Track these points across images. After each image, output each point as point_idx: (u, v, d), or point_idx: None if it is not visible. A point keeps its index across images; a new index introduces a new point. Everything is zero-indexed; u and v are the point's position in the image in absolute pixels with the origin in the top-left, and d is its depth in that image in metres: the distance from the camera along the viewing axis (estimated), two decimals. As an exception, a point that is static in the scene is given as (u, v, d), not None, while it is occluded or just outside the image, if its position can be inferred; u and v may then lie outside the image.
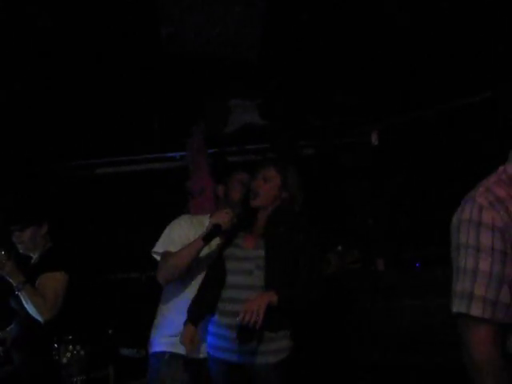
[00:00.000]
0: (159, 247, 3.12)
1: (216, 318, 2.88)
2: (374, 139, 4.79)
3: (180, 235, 3.10)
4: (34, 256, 3.60)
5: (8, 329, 3.58)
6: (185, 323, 2.92)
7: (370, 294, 4.43)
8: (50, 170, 4.83)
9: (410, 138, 4.60)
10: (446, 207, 4.31)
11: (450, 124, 4.40)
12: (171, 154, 4.95)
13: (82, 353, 2.64)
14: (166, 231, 3.16)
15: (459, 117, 4.35)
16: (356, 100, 4.60)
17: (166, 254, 3.05)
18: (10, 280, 3.31)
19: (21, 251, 3.58)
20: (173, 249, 3.04)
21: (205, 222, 3.13)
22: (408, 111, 4.55)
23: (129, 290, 4.28)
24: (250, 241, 2.93)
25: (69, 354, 2.61)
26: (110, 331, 4.18)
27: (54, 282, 3.39)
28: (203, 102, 4.75)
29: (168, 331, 3.09)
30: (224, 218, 2.96)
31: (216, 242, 3.08)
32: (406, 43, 4.13)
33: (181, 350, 3.00)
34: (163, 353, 3.07)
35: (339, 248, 4.48)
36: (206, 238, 2.93)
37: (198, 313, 2.94)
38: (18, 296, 3.32)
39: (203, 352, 3.02)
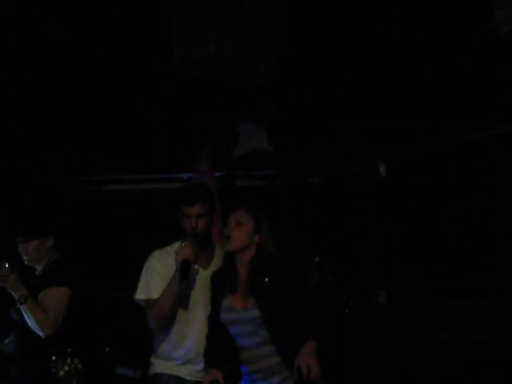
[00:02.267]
0: (140, 294, 3.17)
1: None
2: (382, 170, 4.80)
3: (157, 280, 3.12)
4: (39, 268, 3.59)
5: (6, 341, 3.56)
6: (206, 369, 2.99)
7: (372, 326, 4.41)
8: (57, 184, 4.84)
9: (417, 170, 4.61)
10: (451, 241, 4.34)
11: (458, 157, 4.41)
12: (178, 175, 4.96)
13: (80, 367, 2.61)
14: (143, 277, 3.19)
15: (468, 150, 4.36)
16: (365, 130, 4.62)
17: (149, 304, 3.10)
18: (13, 293, 3.30)
19: (26, 263, 3.58)
20: (154, 295, 3.08)
21: (173, 252, 3.12)
22: (416, 143, 4.56)
23: (129, 308, 4.25)
24: (239, 300, 2.94)
25: (66, 368, 2.58)
26: (107, 349, 4.15)
27: (57, 297, 3.38)
28: (212, 125, 4.78)
29: (165, 354, 3.15)
30: (186, 251, 2.98)
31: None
32: (418, 76, 4.16)
33: (180, 372, 3.10)
34: (162, 374, 3.13)
35: (316, 259, 4.48)
36: (182, 277, 2.97)
37: (217, 359, 2.98)
38: (19, 308, 3.31)
39: (199, 377, 3.07)
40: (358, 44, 4.10)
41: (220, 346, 2.98)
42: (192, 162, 4.83)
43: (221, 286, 3.02)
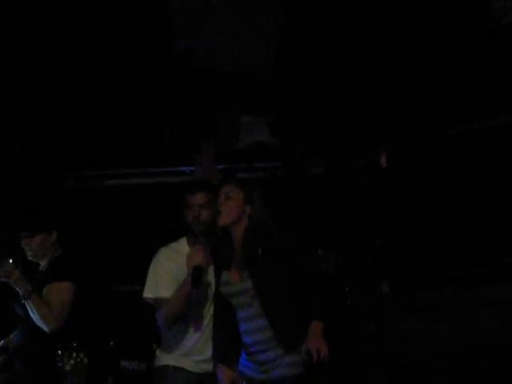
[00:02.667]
0: (149, 292, 3.16)
1: (244, 354, 2.97)
2: (383, 161, 4.80)
3: (165, 277, 3.13)
4: (43, 263, 3.60)
5: (11, 336, 3.57)
6: (217, 366, 3.01)
7: (375, 317, 4.42)
8: (60, 179, 4.85)
9: (419, 161, 4.61)
10: (454, 231, 4.34)
11: (460, 147, 4.40)
12: (181, 168, 4.96)
13: (86, 361, 2.63)
14: (151, 274, 3.19)
15: (470, 140, 4.36)
16: (367, 121, 4.61)
17: (158, 302, 3.11)
18: (17, 288, 3.31)
19: (29, 258, 3.59)
20: (163, 293, 3.09)
21: (180, 249, 3.17)
22: (418, 134, 4.56)
23: (133, 302, 4.27)
24: (235, 273, 2.96)
25: (72, 362, 2.60)
26: (111, 343, 4.17)
27: (61, 292, 3.39)
28: (215, 118, 4.78)
29: (172, 346, 3.16)
30: (199, 257, 2.95)
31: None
32: (419, 65, 4.16)
33: (184, 364, 3.12)
34: (167, 366, 3.15)
35: (319, 252, 4.49)
36: (195, 285, 2.94)
37: (224, 354, 3.01)
38: (23, 303, 3.33)
39: (201, 368, 3.12)
40: (360, 36, 4.10)
41: (225, 326, 3.01)
42: (194, 155, 4.84)
43: (220, 261, 3.05)
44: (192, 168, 4.89)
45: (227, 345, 3.02)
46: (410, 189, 4.67)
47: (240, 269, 2.93)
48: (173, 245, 3.26)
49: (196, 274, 2.93)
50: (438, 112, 4.36)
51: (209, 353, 3.10)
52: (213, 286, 3.14)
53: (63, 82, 4.27)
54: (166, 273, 3.14)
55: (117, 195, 4.97)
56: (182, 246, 3.20)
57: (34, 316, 3.30)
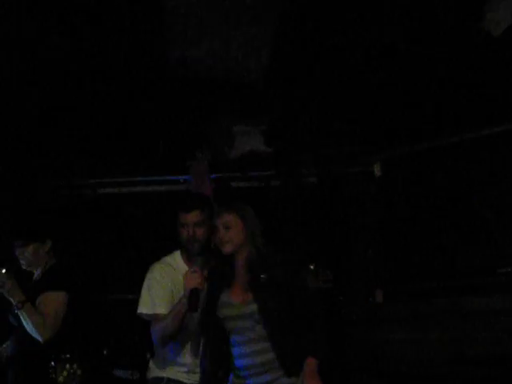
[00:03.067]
0: (143, 309, 3.12)
1: (236, 378, 2.96)
2: (377, 170, 4.81)
3: (161, 294, 3.09)
4: (36, 272, 3.59)
5: (4, 345, 3.56)
6: None
7: (369, 326, 4.42)
8: (55, 187, 4.84)
9: (412, 170, 4.62)
10: (448, 239, 4.35)
11: (454, 156, 4.42)
12: (174, 177, 4.96)
13: (79, 372, 2.62)
14: (146, 289, 3.14)
15: (464, 149, 4.38)
16: (360, 130, 4.63)
17: (154, 319, 3.07)
18: (10, 299, 3.30)
19: (23, 267, 3.58)
20: (159, 310, 3.05)
21: (174, 264, 3.15)
22: (412, 143, 4.58)
23: (126, 311, 4.26)
24: (237, 295, 2.96)
25: (65, 373, 2.59)
26: (105, 352, 4.16)
27: (55, 301, 3.38)
28: (208, 127, 4.78)
29: (165, 359, 3.14)
30: (196, 278, 2.91)
31: None
32: (413, 75, 4.18)
33: (179, 376, 3.10)
34: (161, 378, 3.13)
35: (311, 267, 4.50)
36: (192, 308, 2.90)
37: (212, 376, 3.00)
38: (17, 313, 3.31)
39: (197, 380, 3.09)
40: (355, 45, 4.12)
41: (215, 346, 2.98)
42: (188, 163, 4.84)
43: (217, 282, 3.02)
44: (186, 177, 4.89)
45: (215, 370, 2.99)
46: (403, 198, 4.68)
47: (243, 292, 2.94)
48: (167, 259, 3.22)
49: (193, 298, 2.89)
50: (432, 121, 4.38)
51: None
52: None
53: (58, 92, 4.27)
54: (162, 289, 3.10)
55: (110, 203, 4.95)
56: (177, 261, 3.17)
57: (28, 326, 3.29)
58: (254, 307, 2.87)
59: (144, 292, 3.15)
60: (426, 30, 3.96)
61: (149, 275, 3.18)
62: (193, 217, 3.08)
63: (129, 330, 4.37)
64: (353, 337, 4.43)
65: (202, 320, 3.04)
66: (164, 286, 3.11)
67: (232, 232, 2.95)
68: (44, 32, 3.88)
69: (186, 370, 3.12)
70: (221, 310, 2.97)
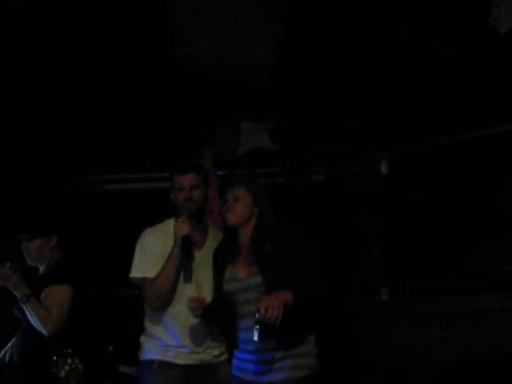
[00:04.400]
0: (135, 273, 3.13)
1: (239, 345, 2.95)
2: (384, 167, 4.79)
3: (152, 258, 3.11)
4: (42, 268, 3.61)
5: (10, 343, 3.58)
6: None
7: (374, 324, 4.41)
8: (61, 182, 4.85)
9: (419, 168, 4.60)
10: (454, 237, 4.33)
11: (461, 153, 4.40)
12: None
13: (81, 367, 2.62)
14: (137, 254, 3.16)
15: (471, 147, 4.35)
16: (367, 127, 4.61)
17: (146, 283, 3.08)
18: (15, 293, 3.32)
19: (28, 262, 3.59)
20: (150, 273, 3.06)
21: (167, 230, 3.15)
22: (419, 140, 4.56)
23: (132, 307, 4.26)
24: (242, 269, 2.97)
25: (67, 368, 2.60)
26: (110, 348, 4.16)
27: (60, 295, 3.40)
28: (214, 123, 4.78)
29: (157, 340, 3.13)
30: (185, 227, 2.97)
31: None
32: (420, 72, 4.16)
33: (170, 358, 3.08)
34: (153, 361, 3.11)
35: None
36: (186, 254, 2.97)
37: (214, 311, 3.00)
38: (22, 307, 3.33)
39: (193, 359, 3.09)
40: (360, 42, 4.10)
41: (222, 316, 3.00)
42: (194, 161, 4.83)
43: (223, 259, 3.04)
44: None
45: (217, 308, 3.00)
46: (410, 196, 4.66)
47: (248, 266, 2.94)
48: (160, 226, 3.24)
49: (186, 244, 2.95)
50: (439, 119, 4.36)
51: (197, 344, 3.08)
52: (199, 271, 3.12)
53: (63, 87, 4.28)
54: (153, 253, 3.11)
55: (116, 199, 4.96)
56: (170, 227, 3.15)
57: (33, 319, 3.31)
58: (258, 279, 2.87)
59: (135, 257, 3.16)
60: (431, 28, 3.94)
61: (140, 240, 3.20)
62: (189, 179, 3.10)
63: (134, 326, 4.37)
64: (358, 335, 4.42)
65: (213, 298, 3.05)
66: (155, 250, 3.11)
67: (240, 204, 2.96)
68: (46, 28, 3.88)
69: (187, 351, 3.10)
70: (227, 285, 2.97)
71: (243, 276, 2.94)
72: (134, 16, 3.87)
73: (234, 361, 3.02)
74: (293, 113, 4.72)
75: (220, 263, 3.05)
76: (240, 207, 2.96)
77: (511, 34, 3.36)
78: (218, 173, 4.84)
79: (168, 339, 3.11)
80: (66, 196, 4.83)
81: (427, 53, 4.10)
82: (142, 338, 3.23)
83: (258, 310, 2.64)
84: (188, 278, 3.11)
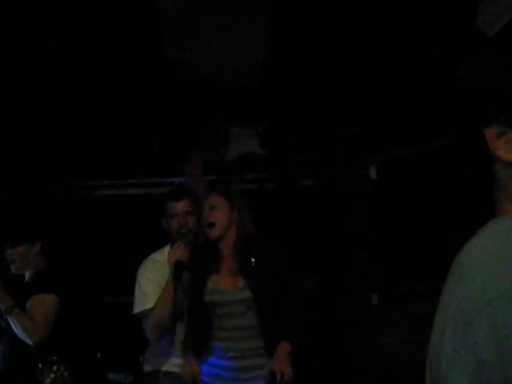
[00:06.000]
0: (138, 307, 3.12)
1: (213, 358, 2.93)
2: (373, 172, 4.80)
3: (151, 289, 3.09)
4: (27, 275, 3.57)
5: None
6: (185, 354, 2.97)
7: (364, 329, 4.40)
8: (47, 188, 4.82)
9: (408, 172, 4.60)
10: (444, 242, 4.32)
11: (450, 158, 4.40)
12: (169, 180, 4.94)
13: (66, 374, 2.60)
14: (137, 289, 3.15)
15: (460, 151, 4.35)
16: (356, 132, 4.61)
17: (145, 313, 3.05)
18: None
19: (14, 270, 3.55)
20: (150, 304, 3.04)
21: (162, 258, 3.13)
22: (408, 145, 4.56)
23: (120, 314, 4.24)
24: (227, 280, 2.93)
25: (52, 375, 2.58)
26: (98, 355, 4.13)
27: (45, 304, 3.36)
28: (203, 129, 4.76)
29: (161, 351, 3.12)
30: (180, 252, 2.95)
31: None
32: (409, 76, 4.16)
33: (175, 369, 3.06)
34: (158, 371, 3.11)
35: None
36: (176, 279, 2.93)
37: (194, 349, 2.96)
38: (6, 318, 3.29)
39: None
40: (350, 47, 4.10)
41: (199, 329, 2.96)
42: (183, 166, 4.82)
43: (200, 268, 3.00)
44: (181, 179, 4.87)
45: (199, 339, 2.96)
46: (400, 200, 4.66)
47: (233, 277, 2.90)
48: (156, 256, 3.23)
49: (177, 269, 2.93)
50: (428, 123, 4.36)
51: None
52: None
53: (51, 92, 4.25)
54: (152, 284, 3.09)
55: (104, 206, 4.93)
56: (166, 256, 3.13)
57: (17, 330, 3.27)
58: (246, 293, 2.85)
59: (136, 291, 3.15)
60: (420, 32, 3.94)
61: (139, 273, 3.19)
62: (183, 205, 3.09)
63: (122, 332, 4.34)
64: (349, 339, 4.41)
65: (188, 306, 3.03)
66: (154, 281, 3.09)
67: (217, 212, 2.93)
68: (38, 32, 3.86)
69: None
70: (209, 297, 2.94)
71: (228, 289, 2.91)
72: (124, 20, 3.84)
73: (205, 367, 2.96)
74: (282, 118, 4.71)
75: (200, 273, 3.01)
76: (218, 215, 2.93)
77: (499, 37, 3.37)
78: (207, 178, 4.82)
79: (173, 354, 3.10)
80: (52, 201, 4.79)
81: (416, 58, 4.10)
82: (147, 352, 3.22)
83: (272, 374, 2.70)
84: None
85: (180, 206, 3.08)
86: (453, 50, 3.92)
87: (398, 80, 4.18)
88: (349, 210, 4.78)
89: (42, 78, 4.13)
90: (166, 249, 3.20)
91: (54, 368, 2.57)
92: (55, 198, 4.81)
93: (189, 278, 3.06)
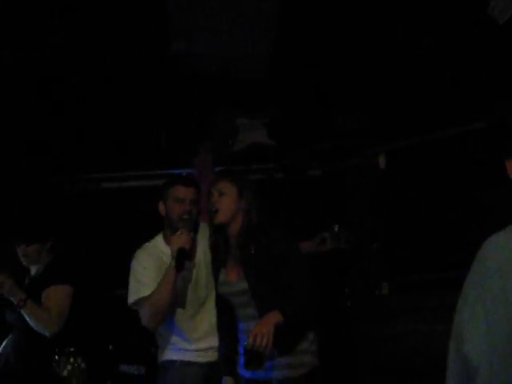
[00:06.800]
0: (132, 297, 3.03)
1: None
2: (382, 162, 4.78)
3: (145, 277, 3.02)
4: (34, 269, 3.57)
5: (3, 344, 3.54)
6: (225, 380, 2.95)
7: (375, 319, 4.40)
8: (56, 182, 4.82)
9: (418, 162, 4.59)
10: (452, 232, 4.32)
11: (460, 147, 4.39)
12: (177, 171, 4.93)
13: (83, 366, 2.60)
14: (131, 280, 3.07)
15: (468, 140, 4.34)
16: (364, 122, 4.60)
17: (142, 301, 2.97)
18: (11, 298, 3.28)
19: (24, 263, 3.56)
20: (146, 292, 2.96)
21: (155, 247, 3.10)
22: (416, 134, 4.54)
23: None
24: (233, 271, 2.91)
25: (69, 367, 2.58)
26: (110, 347, 4.15)
27: (60, 295, 3.38)
28: (211, 120, 4.76)
29: (175, 339, 3.07)
30: (183, 239, 2.89)
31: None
32: (416, 66, 4.14)
33: (191, 357, 3.04)
34: (174, 361, 3.07)
35: (335, 228, 4.44)
36: (179, 267, 2.86)
37: (230, 360, 2.95)
38: (18, 311, 3.29)
39: (212, 356, 3.03)
40: (357, 38, 4.09)
41: (227, 330, 2.95)
42: (191, 157, 4.81)
43: (218, 261, 2.97)
44: (188, 171, 4.86)
45: (232, 352, 2.95)
46: (408, 190, 4.65)
47: (237, 268, 2.88)
48: (149, 245, 3.16)
49: (180, 257, 2.85)
50: (437, 112, 4.35)
51: (212, 340, 3.02)
52: (199, 271, 3.07)
53: (57, 85, 4.25)
54: (147, 274, 3.02)
55: (113, 198, 4.93)
56: (159, 244, 3.11)
57: (32, 322, 3.27)
58: (245, 284, 2.82)
59: (130, 282, 3.07)
60: (427, 20, 3.93)
61: (132, 263, 3.11)
62: (191, 192, 3.02)
63: (134, 325, 4.35)
64: (359, 329, 4.41)
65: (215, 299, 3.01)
66: (149, 268, 3.02)
67: (225, 199, 2.86)
68: (43, 25, 3.85)
69: (197, 345, 3.06)
70: (220, 288, 2.93)
71: (233, 280, 2.89)
72: (131, 12, 3.84)
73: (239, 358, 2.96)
74: (290, 108, 4.70)
75: (215, 265, 2.99)
76: (225, 202, 2.86)
77: (510, 24, 3.35)
78: (215, 169, 4.81)
79: (186, 339, 3.06)
80: (63, 196, 4.79)
81: (423, 48, 4.08)
82: (159, 342, 3.16)
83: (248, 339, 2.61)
84: (190, 285, 3.07)
85: (189, 192, 3.02)
86: (458, 40, 3.92)
87: (407, 69, 4.17)
88: (358, 200, 4.77)
89: (50, 71, 4.12)
90: (159, 237, 3.15)
91: (71, 360, 2.57)
92: (64, 193, 4.80)
93: (189, 266, 3.01)
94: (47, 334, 3.26)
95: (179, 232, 2.92)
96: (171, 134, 4.75)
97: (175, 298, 2.97)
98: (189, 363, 3.04)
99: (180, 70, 4.26)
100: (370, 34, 4.07)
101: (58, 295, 3.35)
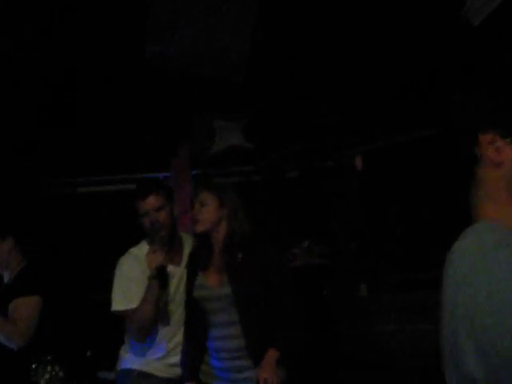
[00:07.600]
0: (117, 305, 3.05)
1: (210, 353, 2.94)
2: (359, 163, 4.80)
3: (132, 287, 3.02)
4: (7, 276, 3.49)
5: None
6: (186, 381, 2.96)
7: (355, 320, 4.41)
8: (31, 185, 4.75)
9: (394, 162, 4.61)
10: (431, 232, 4.34)
11: (435, 148, 4.41)
12: (154, 175, 4.90)
13: (61, 374, 2.56)
14: (116, 286, 3.07)
15: (446, 141, 4.37)
16: (341, 124, 4.61)
17: (128, 315, 3.00)
18: None
19: None
20: (131, 304, 2.98)
21: (140, 253, 3.09)
22: (393, 135, 4.57)
23: (109, 311, 4.20)
24: (213, 278, 2.94)
25: (47, 376, 2.53)
26: (88, 353, 4.10)
27: (28, 307, 3.31)
28: (189, 123, 4.73)
29: (137, 350, 3.07)
30: (158, 257, 2.92)
31: None
32: (393, 66, 4.16)
33: (152, 369, 3.04)
34: (132, 370, 3.06)
35: (306, 243, 4.46)
36: (162, 286, 2.92)
37: (194, 366, 2.97)
38: None
39: (171, 373, 3.04)
40: (333, 39, 4.09)
41: (195, 335, 2.96)
42: (169, 160, 4.78)
43: (195, 265, 3.01)
44: (166, 174, 4.84)
45: (197, 358, 2.97)
46: (387, 190, 4.67)
47: (219, 273, 2.91)
48: (134, 251, 3.16)
49: (162, 275, 2.90)
50: (413, 113, 4.37)
51: (175, 359, 3.04)
52: (180, 288, 3.08)
53: (37, 89, 4.20)
54: (132, 282, 3.02)
55: (88, 202, 4.88)
56: (144, 251, 3.09)
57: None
58: (227, 290, 2.84)
59: (115, 288, 3.07)
60: (403, 22, 3.94)
61: (117, 271, 3.11)
62: (151, 202, 3.01)
63: (112, 330, 4.30)
64: (340, 331, 4.41)
65: (185, 302, 3.03)
66: (134, 278, 3.03)
67: (207, 210, 2.91)
68: (21, 29, 3.80)
69: (166, 361, 3.06)
70: (197, 292, 2.94)
71: (213, 284, 2.91)
72: (108, 13, 3.80)
73: (203, 367, 2.97)
74: (266, 110, 4.70)
75: (192, 268, 3.02)
76: (206, 212, 2.91)
77: (484, 27, 3.37)
78: (193, 172, 4.79)
79: (150, 353, 3.05)
80: (32, 197, 4.71)
81: (400, 47, 4.10)
82: (122, 349, 3.17)
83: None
84: (171, 298, 3.07)
85: (148, 204, 3.00)
86: (437, 39, 3.93)
87: (382, 70, 4.18)
88: (336, 201, 4.78)
89: (27, 76, 4.07)
90: (143, 244, 3.15)
91: (49, 368, 2.53)
92: (36, 195, 4.73)
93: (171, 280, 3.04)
94: (14, 347, 3.19)
95: (153, 249, 2.95)
96: (149, 136, 4.71)
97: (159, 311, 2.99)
98: (147, 374, 3.03)
99: (157, 72, 4.22)
100: (346, 36, 4.08)
101: (24, 308, 3.28)
